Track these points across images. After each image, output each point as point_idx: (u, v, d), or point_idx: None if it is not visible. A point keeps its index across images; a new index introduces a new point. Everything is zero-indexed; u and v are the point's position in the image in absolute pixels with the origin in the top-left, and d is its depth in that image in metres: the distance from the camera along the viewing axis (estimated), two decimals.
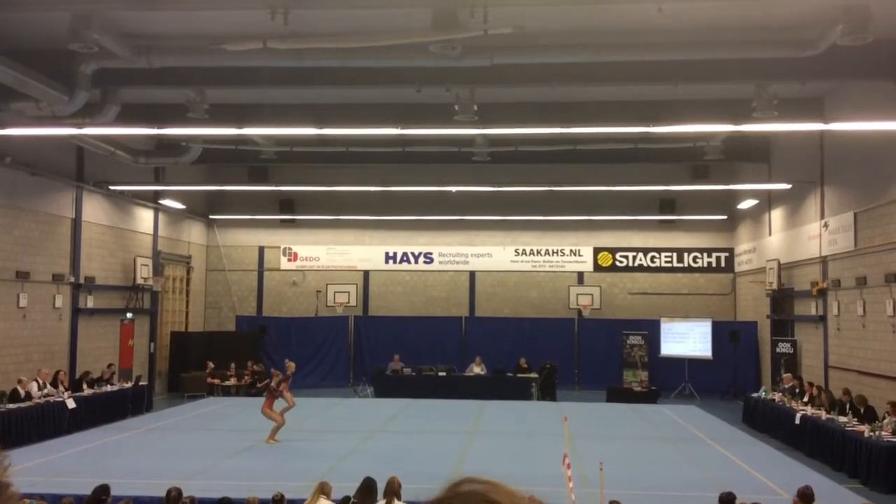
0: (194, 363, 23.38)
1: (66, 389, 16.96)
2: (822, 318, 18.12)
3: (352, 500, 8.60)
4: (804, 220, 19.50)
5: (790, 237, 20.56)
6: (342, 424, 17.39)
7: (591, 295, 25.50)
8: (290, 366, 15.81)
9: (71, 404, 16.25)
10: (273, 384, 15.16)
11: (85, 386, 17.61)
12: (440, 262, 26.89)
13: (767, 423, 17.08)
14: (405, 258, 26.95)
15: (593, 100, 16.43)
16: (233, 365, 23.38)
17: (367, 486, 8.52)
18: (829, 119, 16.06)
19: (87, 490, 8.71)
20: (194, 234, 26.44)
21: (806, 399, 16.16)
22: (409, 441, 15.43)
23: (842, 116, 15.66)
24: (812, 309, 18.75)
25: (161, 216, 23.85)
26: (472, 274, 26.86)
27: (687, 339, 23.91)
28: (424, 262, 26.93)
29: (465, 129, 15.55)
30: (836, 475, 12.75)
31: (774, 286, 20.89)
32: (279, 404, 15.14)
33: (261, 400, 15.52)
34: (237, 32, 11.31)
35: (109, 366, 19.25)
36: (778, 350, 20.62)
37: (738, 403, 20.22)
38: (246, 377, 23.01)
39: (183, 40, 12.01)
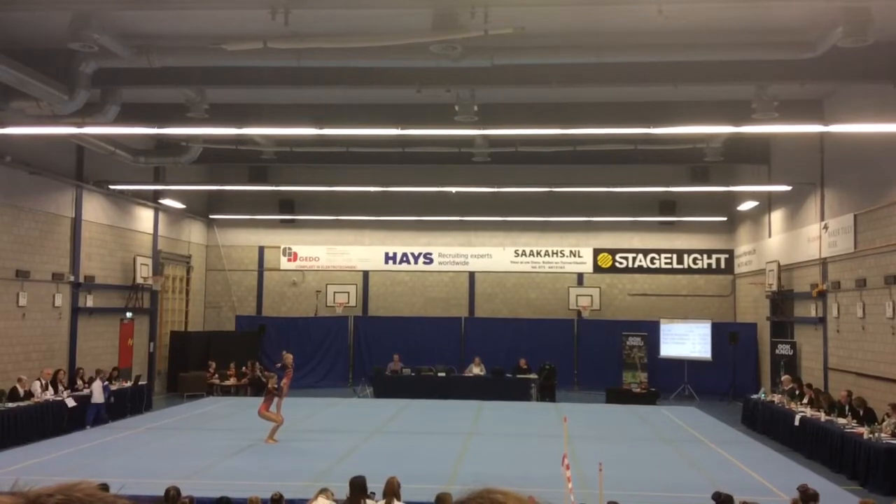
0: (194, 363, 23.38)
1: (66, 388, 16.96)
2: (822, 320, 18.12)
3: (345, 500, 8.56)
4: (804, 221, 19.51)
5: (790, 239, 20.56)
6: (341, 424, 17.38)
7: (591, 296, 25.50)
8: (288, 357, 15.72)
9: (70, 403, 16.24)
10: (271, 386, 15.14)
11: (80, 383, 17.62)
12: (440, 263, 26.89)
13: (767, 425, 17.08)
14: (405, 259, 26.95)
15: (593, 101, 16.42)
16: (232, 365, 23.37)
17: (355, 486, 8.46)
18: (829, 121, 16.06)
19: None
20: (194, 233, 26.45)
21: (805, 401, 16.16)
22: (408, 441, 15.43)
23: (842, 118, 15.67)
24: (812, 311, 18.74)
25: (161, 216, 23.85)
26: (472, 275, 26.85)
27: (686, 340, 23.90)
28: (424, 263, 26.93)
29: (465, 129, 15.55)
30: (835, 477, 12.75)
31: (774, 288, 20.89)
32: (275, 406, 15.10)
33: (261, 399, 15.52)
34: (237, 32, 11.31)
35: (114, 369, 19.26)
36: (777, 352, 20.62)
37: (737, 405, 20.22)
38: (245, 377, 23.00)
39: (183, 40, 12.02)
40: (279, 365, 15.84)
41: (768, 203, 22.37)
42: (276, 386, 15.02)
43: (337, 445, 14.57)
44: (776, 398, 17.42)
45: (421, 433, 16.65)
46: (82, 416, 16.55)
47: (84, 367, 18.61)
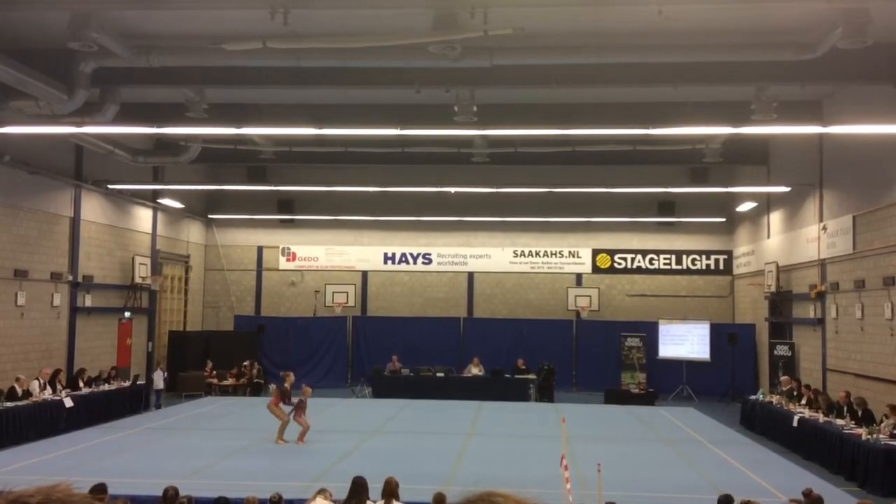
0: (192, 363, 23.35)
1: (64, 388, 16.94)
2: (821, 321, 18.13)
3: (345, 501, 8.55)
4: (803, 222, 19.52)
5: (789, 240, 20.57)
6: (340, 425, 17.37)
7: (590, 296, 25.51)
8: (307, 391, 15.32)
9: (68, 403, 16.22)
10: (286, 386, 15.25)
11: (81, 384, 17.60)
12: (439, 263, 26.89)
13: (765, 426, 17.08)
14: (404, 259, 26.95)
15: (593, 101, 16.43)
16: (235, 368, 23.29)
17: (358, 485, 8.47)
18: (828, 122, 16.07)
19: (84, 489, 8.66)
20: (193, 233, 26.44)
21: (804, 401, 16.17)
22: (407, 442, 15.42)
23: (841, 119, 15.67)
24: (810, 312, 18.76)
25: (160, 215, 23.84)
26: (471, 275, 26.86)
27: (685, 341, 23.91)
28: (423, 263, 26.93)
29: (464, 129, 15.55)
30: (833, 478, 12.74)
31: (773, 289, 20.90)
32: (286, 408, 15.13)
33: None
34: (237, 32, 11.30)
35: (113, 368, 19.29)
36: (776, 352, 20.63)
37: (735, 406, 20.22)
38: (244, 377, 22.94)
39: (182, 40, 12.01)
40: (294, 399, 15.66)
41: (767, 204, 22.38)
42: (289, 394, 15.13)
43: (336, 445, 14.57)
44: (775, 399, 17.42)
45: (420, 433, 16.64)
46: (81, 416, 16.52)
47: (83, 366, 18.56)
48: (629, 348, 23.69)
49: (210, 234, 27.40)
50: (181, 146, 19.29)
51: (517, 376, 22.54)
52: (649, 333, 23.92)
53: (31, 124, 14.19)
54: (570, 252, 26.55)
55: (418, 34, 10.78)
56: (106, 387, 18.17)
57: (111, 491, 8.63)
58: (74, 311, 19.15)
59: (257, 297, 27.30)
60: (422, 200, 25.07)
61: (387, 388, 22.41)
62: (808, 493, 8.67)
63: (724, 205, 25.15)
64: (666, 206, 25.53)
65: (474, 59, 11.51)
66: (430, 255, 26.91)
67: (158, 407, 19.71)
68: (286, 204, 26.37)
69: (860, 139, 15.44)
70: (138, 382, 19.59)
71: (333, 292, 25.76)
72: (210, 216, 26.96)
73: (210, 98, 14.92)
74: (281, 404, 15.06)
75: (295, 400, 15.12)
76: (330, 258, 27.08)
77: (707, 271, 26.33)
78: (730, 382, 22.71)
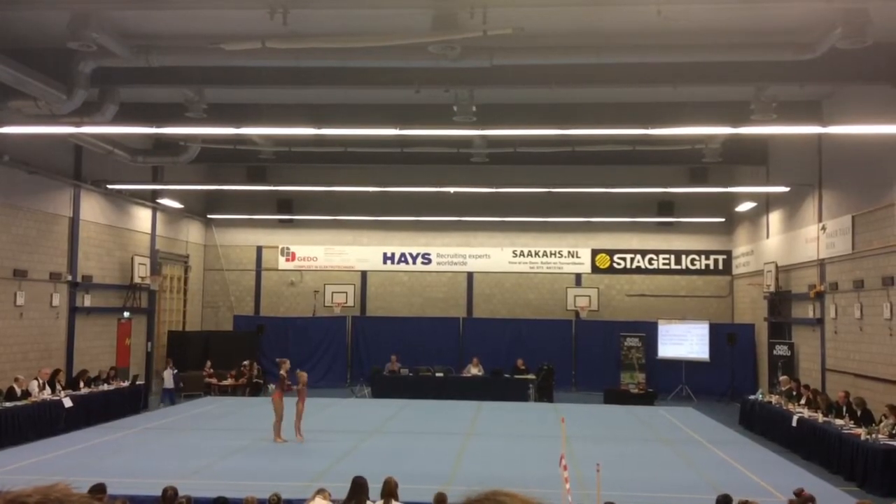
0: (192, 363, 23.33)
1: (64, 388, 16.93)
2: (820, 321, 18.14)
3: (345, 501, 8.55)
4: (802, 223, 19.53)
5: (788, 240, 20.58)
6: (339, 425, 17.37)
7: (589, 296, 25.51)
8: (302, 376, 15.73)
9: (68, 403, 16.21)
10: (284, 372, 15.30)
11: (82, 384, 17.59)
12: (438, 263, 26.89)
13: (764, 426, 17.09)
14: (403, 259, 26.95)
15: (592, 101, 16.43)
16: (234, 369, 23.26)
17: (358, 485, 8.47)
18: (828, 122, 16.07)
19: (83, 489, 8.65)
20: (192, 233, 26.43)
21: (803, 401, 16.18)
22: (406, 442, 15.42)
23: (840, 119, 15.68)
24: (809, 312, 18.77)
25: (159, 215, 23.84)
26: (470, 275, 26.86)
27: (684, 341, 23.92)
28: (422, 263, 26.93)
29: (463, 129, 15.55)
30: (832, 478, 12.75)
31: (772, 289, 20.91)
32: (289, 403, 15.17)
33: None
34: (236, 32, 11.30)
35: (112, 368, 19.28)
36: (775, 352, 20.64)
37: (735, 406, 20.23)
38: (243, 377, 22.93)
39: (182, 40, 12.00)
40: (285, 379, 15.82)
41: (766, 204, 22.39)
42: (287, 380, 15.17)
43: (335, 446, 14.57)
44: (774, 399, 17.43)
45: (419, 433, 16.64)
46: (80, 416, 16.51)
47: (83, 367, 18.55)
48: (628, 348, 23.70)
49: (209, 234, 27.40)
50: (180, 146, 19.28)
51: (516, 376, 22.54)
52: (648, 333, 23.92)
53: (31, 124, 14.18)
54: (569, 252, 26.56)
55: (418, 34, 10.78)
56: (105, 387, 18.15)
57: (110, 491, 8.62)
58: (73, 311, 19.15)
59: (256, 297, 27.30)
60: (421, 200, 25.07)
61: (386, 388, 22.41)
62: (799, 493, 8.69)
63: (724, 205, 25.15)
64: (665, 206, 25.54)
65: (474, 59, 11.51)
66: (429, 254, 26.92)
67: (170, 404, 20.04)
68: (285, 204, 26.37)
69: (859, 139, 15.45)
70: (137, 382, 19.59)
71: (332, 292, 25.76)
72: (209, 216, 26.96)
73: (209, 98, 14.91)
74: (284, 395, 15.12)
75: (295, 388, 15.22)
76: (329, 258, 27.08)
77: (706, 271, 26.34)
78: (729, 382, 22.72)
